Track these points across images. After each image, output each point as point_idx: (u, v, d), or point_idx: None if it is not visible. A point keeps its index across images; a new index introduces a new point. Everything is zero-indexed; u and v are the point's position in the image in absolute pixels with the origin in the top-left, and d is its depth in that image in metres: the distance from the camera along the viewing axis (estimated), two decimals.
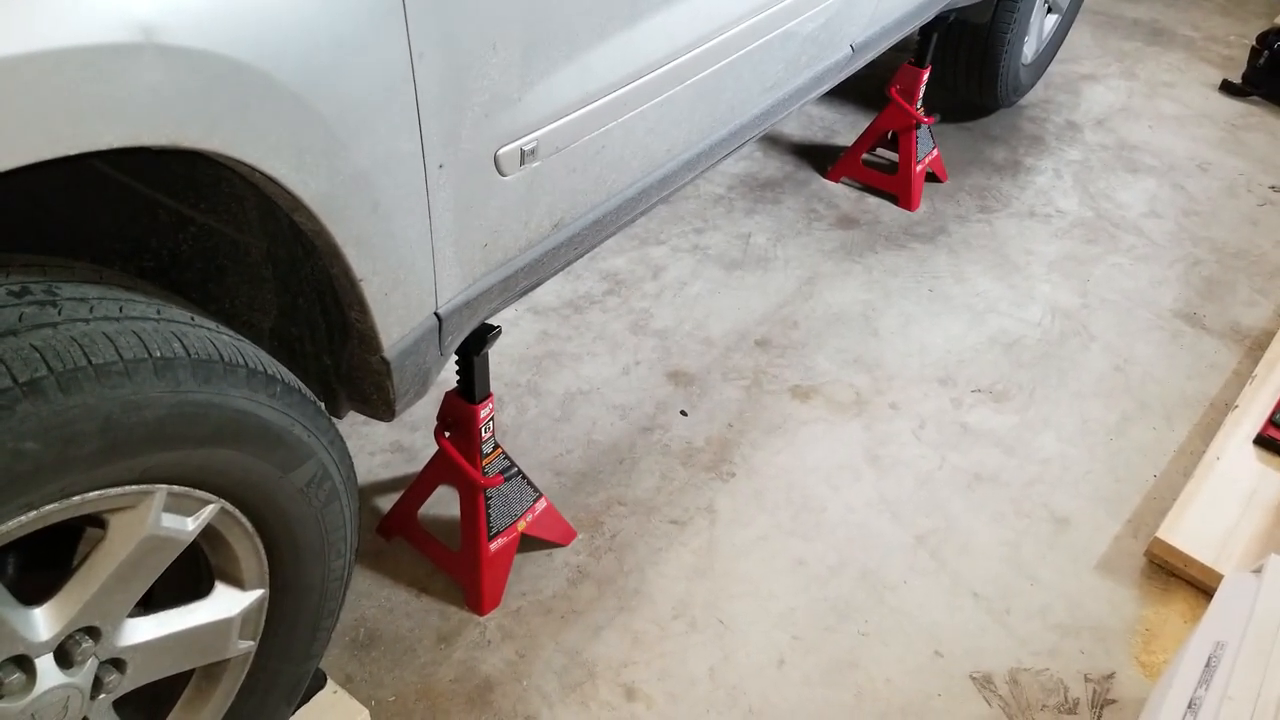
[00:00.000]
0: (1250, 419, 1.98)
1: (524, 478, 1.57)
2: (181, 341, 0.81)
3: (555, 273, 1.38)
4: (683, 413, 1.98)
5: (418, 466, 1.73)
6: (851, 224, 2.60)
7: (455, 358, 1.39)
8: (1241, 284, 2.51)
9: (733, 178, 2.73)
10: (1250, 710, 1.18)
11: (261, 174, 0.83)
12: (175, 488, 0.86)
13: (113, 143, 0.71)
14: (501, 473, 1.52)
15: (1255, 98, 3.40)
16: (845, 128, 3.02)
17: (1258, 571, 1.44)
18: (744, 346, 2.16)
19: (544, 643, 1.54)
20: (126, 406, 0.75)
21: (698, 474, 1.85)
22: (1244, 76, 3.43)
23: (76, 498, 0.77)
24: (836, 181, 2.76)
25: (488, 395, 1.45)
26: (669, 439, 1.92)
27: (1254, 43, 3.44)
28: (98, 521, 0.84)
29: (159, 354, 0.78)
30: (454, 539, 1.63)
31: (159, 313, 0.82)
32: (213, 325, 0.87)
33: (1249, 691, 1.20)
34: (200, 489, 0.89)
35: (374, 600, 1.58)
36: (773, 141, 2.92)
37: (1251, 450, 1.92)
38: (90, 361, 0.73)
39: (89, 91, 0.67)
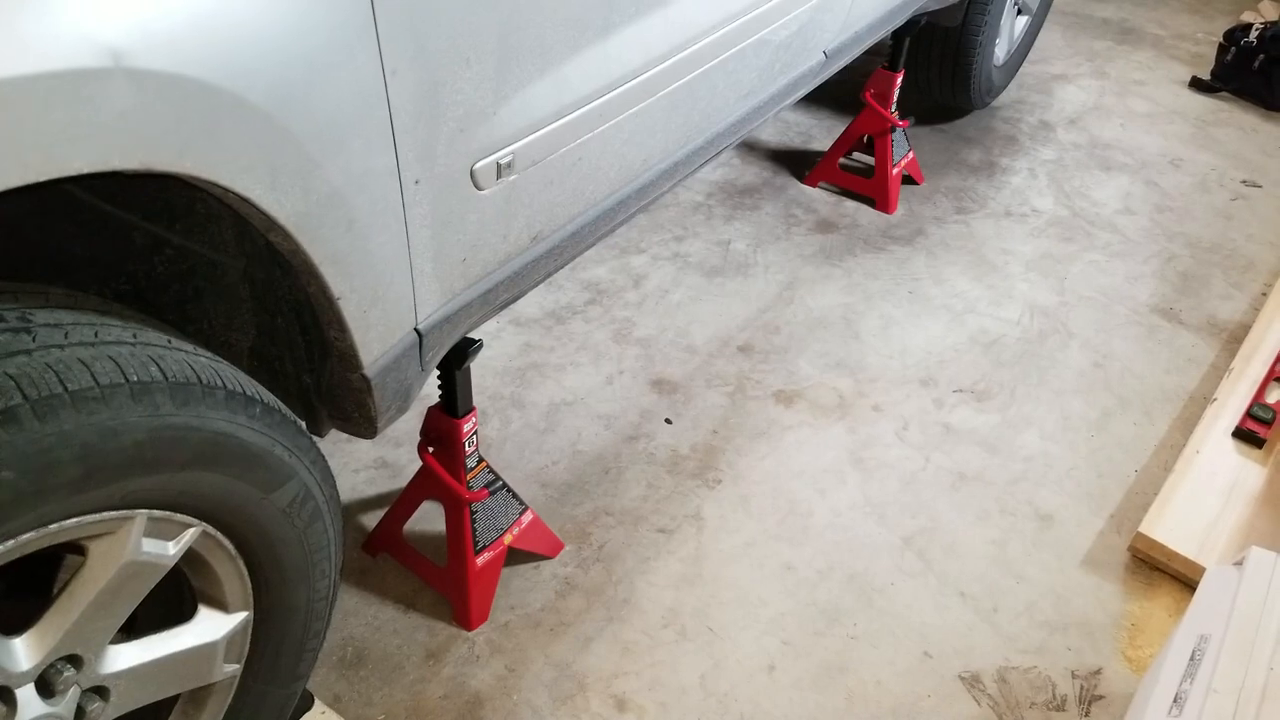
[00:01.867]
0: (1229, 412, 2.00)
1: (509, 491, 1.57)
2: (159, 365, 0.80)
3: (535, 285, 1.38)
4: (667, 421, 1.98)
5: (402, 482, 1.72)
6: (830, 228, 2.62)
7: (437, 372, 1.39)
8: (1216, 278, 2.54)
9: (711, 185, 2.74)
10: (1234, 702, 1.19)
11: (235, 195, 0.83)
12: (155, 512, 0.85)
13: (83, 168, 0.70)
14: (486, 486, 1.52)
15: (1224, 93, 3.44)
16: (821, 133, 3.04)
17: (1239, 564, 1.45)
18: (727, 353, 2.17)
19: (533, 656, 1.54)
20: (104, 432, 0.75)
21: (684, 482, 1.85)
22: (1212, 73, 3.48)
23: (54, 525, 0.77)
24: (814, 186, 2.78)
25: (471, 409, 1.45)
26: (654, 447, 1.92)
27: (1221, 39, 3.49)
28: (77, 548, 0.83)
29: (136, 378, 0.78)
30: (440, 554, 1.62)
31: (135, 336, 0.81)
32: (190, 347, 0.87)
33: (1232, 684, 1.21)
34: (181, 513, 0.88)
35: (361, 618, 1.57)
36: (750, 148, 2.94)
37: (1230, 443, 1.94)
38: (66, 388, 0.72)
39: (58, 117, 0.67)
